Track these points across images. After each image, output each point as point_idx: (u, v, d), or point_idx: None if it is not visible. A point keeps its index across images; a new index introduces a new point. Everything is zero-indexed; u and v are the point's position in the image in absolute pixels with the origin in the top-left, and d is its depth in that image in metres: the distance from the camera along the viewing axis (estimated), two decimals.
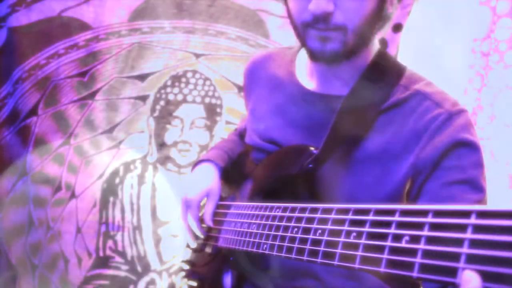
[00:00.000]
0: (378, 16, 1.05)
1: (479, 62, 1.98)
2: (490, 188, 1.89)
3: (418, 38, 2.14)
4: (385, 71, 1.13)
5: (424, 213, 0.60)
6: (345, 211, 0.76)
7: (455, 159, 1.03)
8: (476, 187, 1.03)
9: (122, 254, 2.34)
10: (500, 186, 1.94)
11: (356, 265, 0.69)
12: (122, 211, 2.34)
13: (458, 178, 1.02)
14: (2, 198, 2.28)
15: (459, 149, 1.03)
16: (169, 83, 2.31)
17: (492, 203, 1.89)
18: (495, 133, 1.96)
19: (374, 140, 1.08)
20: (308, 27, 1.04)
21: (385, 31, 2.12)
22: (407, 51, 2.15)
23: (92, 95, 2.28)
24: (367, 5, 1.01)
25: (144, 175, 2.35)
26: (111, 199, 2.33)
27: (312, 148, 1.10)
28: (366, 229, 0.70)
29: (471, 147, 1.04)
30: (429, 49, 2.10)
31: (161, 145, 2.34)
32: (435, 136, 1.03)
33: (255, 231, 1.05)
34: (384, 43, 2.10)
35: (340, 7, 1.00)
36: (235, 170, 1.45)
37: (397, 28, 2.13)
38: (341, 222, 0.76)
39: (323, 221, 0.81)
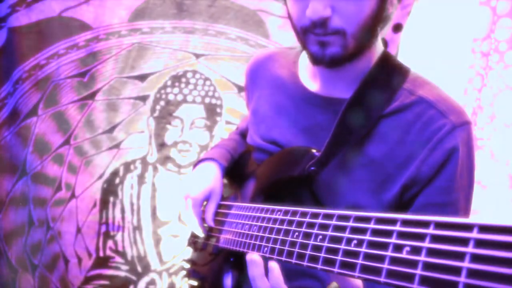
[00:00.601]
0: (377, 18, 1.03)
1: (479, 62, 1.98)
2: (490, 188, 1.90)
3: (418, 38, 2.14)
4: (388, 74, 1.11)
5: (425, 224, 0.60)
6: (346, 218, 0.76)
7: (446, 179, 1.04)
8: (458, 211, 1.05)
9: (122, 254, 2.34)
10: (500, 186, 1.94)
11: (356, 273, 0.69)
12: (122, 211, 2.34)
13: (443, 200, 1.04)
14: (2, 198, 2.29)
15: (453, 167, 1.03)
16: (169, 83, 2.31)
17: (492, 203, 1.90)
18: (495, 133, 1.96)
19: (377, 145, 1.07)
20: (307, 32, 1.04)
21: (385, 32, 2.12)
22: (407, 51, 2.15)
23: (92, 95, 2.28)
24: (365, 8, 0.99)
25: (144, 175, 2.35)
26: (111, 199, 2.33)
27: (314, 151, 1.09)
28: (367, 237, 0.70)
29: (466, 165, 1.05)
30: (429, 49, 2.10)
31: (161, 145, 2.34)
32: (436, 149, 1.03)
33: (255, 233, 1.04)
34: (384, 43, 2.10)
35: (338, 12, 0.99)
36: (236, 169, 1.45)
37: (397, 28, 2.13)
38: (342, 228, 0.76)
39: (324, 227, 0.81)
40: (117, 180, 2.34)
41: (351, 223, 0.75)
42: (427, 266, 0.58)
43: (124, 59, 2.26)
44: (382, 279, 0.64)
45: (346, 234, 0.74)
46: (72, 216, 2.32)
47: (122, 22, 2.23)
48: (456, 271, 0.53)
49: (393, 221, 0.66)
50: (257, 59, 1.39)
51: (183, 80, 2.31)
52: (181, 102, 2.32)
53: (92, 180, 2.33)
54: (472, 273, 0.52)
